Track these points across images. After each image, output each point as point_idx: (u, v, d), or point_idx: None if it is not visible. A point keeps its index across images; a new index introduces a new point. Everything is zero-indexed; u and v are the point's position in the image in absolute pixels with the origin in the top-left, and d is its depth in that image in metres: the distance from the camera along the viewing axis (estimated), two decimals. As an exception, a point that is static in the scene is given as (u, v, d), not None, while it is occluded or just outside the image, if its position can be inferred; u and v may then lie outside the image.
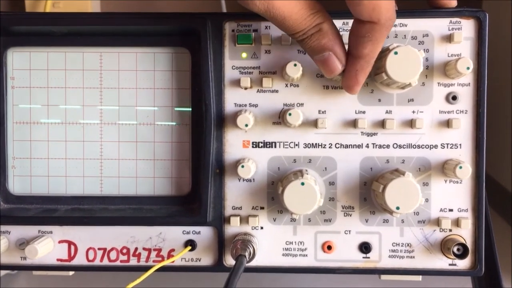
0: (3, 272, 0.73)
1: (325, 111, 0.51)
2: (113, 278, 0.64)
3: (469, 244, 0.51)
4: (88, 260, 0.53)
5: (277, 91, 0.51)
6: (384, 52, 0.48)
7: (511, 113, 0.77)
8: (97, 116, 0.54)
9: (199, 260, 0.53)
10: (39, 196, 0.54)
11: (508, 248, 0.65)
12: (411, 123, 0.51)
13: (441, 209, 0.51)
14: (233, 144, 0.52)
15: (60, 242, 0.53)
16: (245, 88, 0.51)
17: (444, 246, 0.51)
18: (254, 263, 0.51)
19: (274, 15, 0.43)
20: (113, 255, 0.53)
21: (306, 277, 0.72)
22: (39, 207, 0.54)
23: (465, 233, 0.51)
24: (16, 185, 0.54)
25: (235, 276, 0.44)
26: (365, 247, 0.52)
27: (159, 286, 0.66)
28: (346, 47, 0.47)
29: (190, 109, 0.53)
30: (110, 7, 0.95)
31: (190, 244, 0.52)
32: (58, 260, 0.53)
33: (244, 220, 0.52)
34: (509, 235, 0.70)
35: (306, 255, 0.52)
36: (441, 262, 0.52)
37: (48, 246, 0.52)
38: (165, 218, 0.52)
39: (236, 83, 0.51)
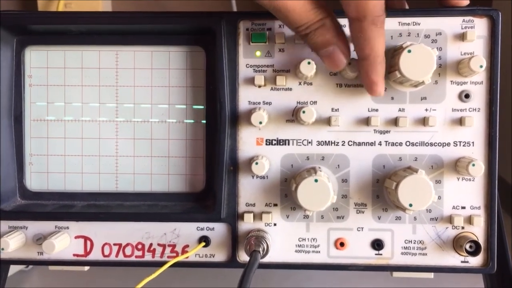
0: (16, 268, 0.74)
1: (338, 109, 0.52)
2: (127, 274, 0.64)
3: (481, 241, 0.51)
4: (104, 256, 0.54)
5: (290, 89, 0.52)
6: (398, 50, 0.48)
7: (511, 108, 0.77)
8: (112, 114, 0.55)
9: (213, 256, 0.54)
10: (55, 192, 0.55)
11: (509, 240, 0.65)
12: (423, 121, 0.51)
13: (454, 206, 0.52)
14: (247, 141, 0.53)
15: (76, 237, 0.54)
16: (259, 86, 0.52)
17: (456, 244, 0.51)
18: (267, 259, 0.52)
19: (278, 7, 0.44)
20: (128, 250, 0.54)
21: (317, 276, 0.72)
22: (56, 203, 0.55)
23: (478, 231, 0.52)
24: (33, 181, 0.55)
25: (250, 271, 0.44)
26: (377, 244, 0.52)
27: (174, 281, 0.67)
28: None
29: (204, 107, 0.54)
30: (121, 7, 0.96)
31: (204, 240, 0.53)
32: (74, 255, 0.54)
33: (258, 216, 0.53)
34: (509, 227, 0.70)
35: (319, 252, 0.53)
36: (454, 259, 0.52)
37: (65, 241, 0.53)
38: (179, 214, 0.53)
39: (250, 81, 0.52)
